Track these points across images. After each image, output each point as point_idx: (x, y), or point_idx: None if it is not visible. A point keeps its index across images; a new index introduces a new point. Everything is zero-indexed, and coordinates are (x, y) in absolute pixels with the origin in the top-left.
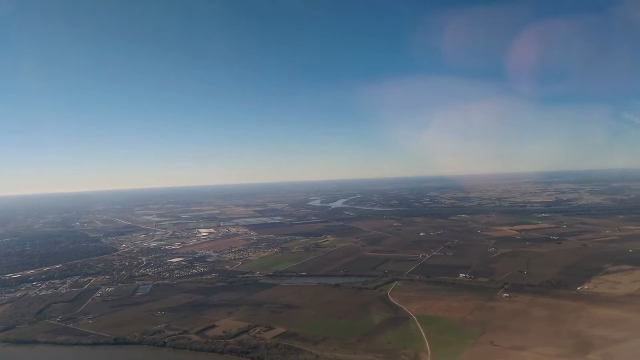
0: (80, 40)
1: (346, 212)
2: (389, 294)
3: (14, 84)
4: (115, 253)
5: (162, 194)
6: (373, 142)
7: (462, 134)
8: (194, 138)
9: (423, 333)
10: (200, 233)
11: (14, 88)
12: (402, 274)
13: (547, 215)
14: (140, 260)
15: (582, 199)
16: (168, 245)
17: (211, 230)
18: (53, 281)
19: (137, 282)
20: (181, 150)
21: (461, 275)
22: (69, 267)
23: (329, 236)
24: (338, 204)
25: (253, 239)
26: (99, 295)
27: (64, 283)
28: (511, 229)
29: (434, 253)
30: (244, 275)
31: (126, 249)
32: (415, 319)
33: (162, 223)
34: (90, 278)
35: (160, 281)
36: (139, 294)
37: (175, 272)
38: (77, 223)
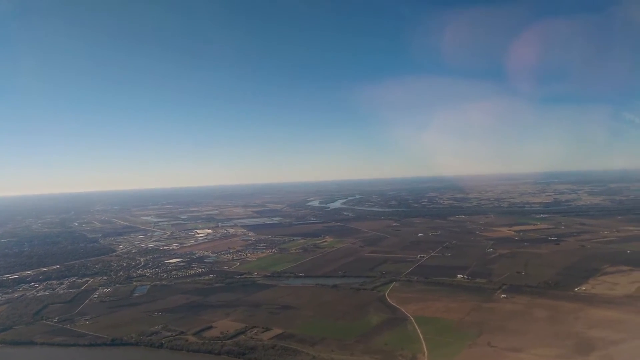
0: (80, 40)
1: (345, 213)
2: (386, 295)
3: (13, 84)
4: (113, 254)
5: (161, 194)
6: (372, 143)
7: (462, 134)
8: (193, 138)
9: (420, 334)
10: (198, 234)
11: (14, 88)
12: (400, 274)
13: (546, 216)
14: (138, 261)
15: (581, 200)
16: (166, 246)
17: (210, 231)
18: (51, 282)
19: (134, 283)
20: (181, 150)
21: (459, 276)
22: (67, 268)
23: (327, 237)
24: (337, 204)
25: (251, 240)
26: (96, 296)
27: (62, 284)
28: (509, 230)
29: (432, 254)
30: (242, 276)
31: (124, 250)
32: (413, 320)
33: (160, 224)
34: (88, 279)
35: (157, 282)
36: (137, 294)
37: (173, 272)
38: (76, 223)
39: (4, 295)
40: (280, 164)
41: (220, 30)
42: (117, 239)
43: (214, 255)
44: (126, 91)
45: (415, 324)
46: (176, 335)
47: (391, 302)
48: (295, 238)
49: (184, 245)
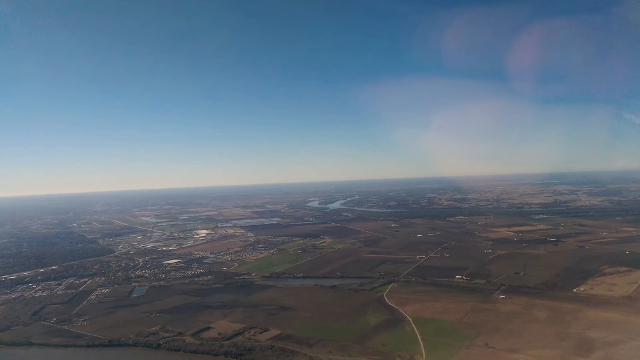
0: (81, 40)
1: (344, 214)
2: (385, 295)
3: (13, 84)
4: (112, 254)
5: (160, 195)
6: (372, 143)
7: (461, 135)
8: (193, 139)
9: (418, 335)
10: (197, 234)
11: (13, 89)
12: (398, 275)
13: (545, 216)
14: (136, 262)
15: (580, 201)
16: (165, 246)
17: (208, 231)
18: (49, 282)
19: (133, 284)
20: (180, 151)
21: (458, 276)
22: (65, 269)
23: (326, 237)
24: (336, 205)
25: (250, 241)
26: (94, 296)
27: (60, 284)
28: (508, 231)
29: (431, 254)
30: (241, 277)
31: (123, 250)
32: (411, 321)
33: (159, 224)
34: (86, 279)
35: (156, 283)
36: (135, 295)
37: (172, 273)
38: (75, 224)
39: (2, 296)
40: (279, 164)
41: (220, 31)
42: (116, 240)
43: (213, 255)
44: (126, 92)
45: (414, 325)
46: (174, 336)
47: (389, 303)
48: (294, 239)
49: (183, 245)
